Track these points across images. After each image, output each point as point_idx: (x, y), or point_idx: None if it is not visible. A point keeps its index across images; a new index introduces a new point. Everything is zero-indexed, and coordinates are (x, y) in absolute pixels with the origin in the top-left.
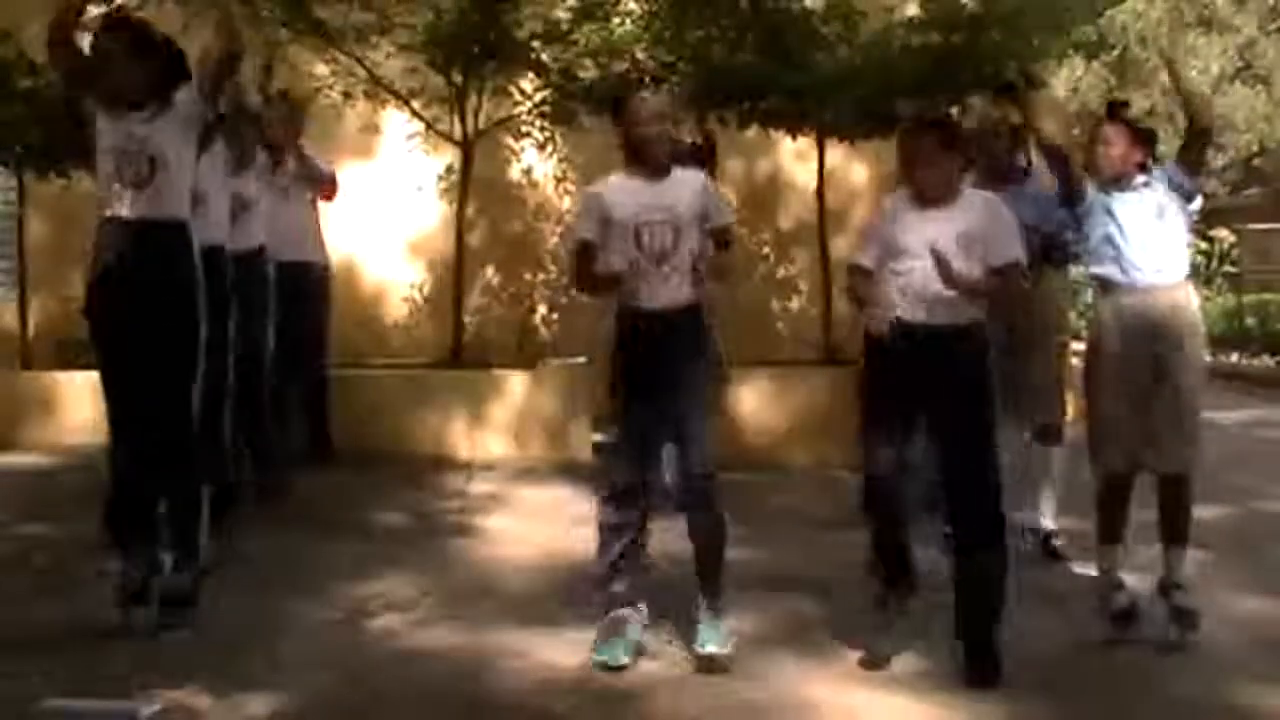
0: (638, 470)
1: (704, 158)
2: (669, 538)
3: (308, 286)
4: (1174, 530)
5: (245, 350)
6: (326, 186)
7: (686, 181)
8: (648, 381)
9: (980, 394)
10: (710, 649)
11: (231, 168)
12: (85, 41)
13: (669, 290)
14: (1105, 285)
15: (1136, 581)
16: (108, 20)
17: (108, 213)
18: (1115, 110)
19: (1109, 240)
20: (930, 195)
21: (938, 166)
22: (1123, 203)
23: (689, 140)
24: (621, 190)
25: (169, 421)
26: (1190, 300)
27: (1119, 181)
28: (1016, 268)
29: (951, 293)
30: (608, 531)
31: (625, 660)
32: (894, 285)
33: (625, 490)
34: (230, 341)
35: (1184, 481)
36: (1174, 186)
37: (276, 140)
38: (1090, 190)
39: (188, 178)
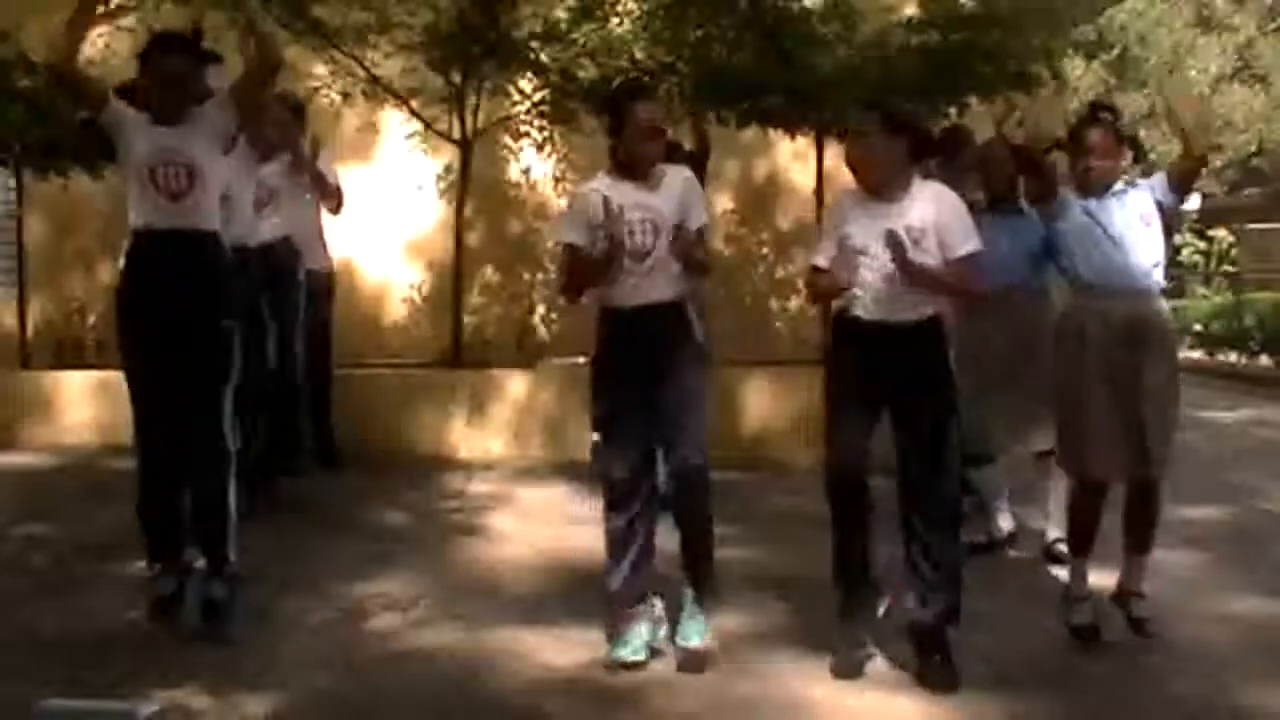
0: (633, 467)
1: (699, 161)
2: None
3: (312, 290)
4: (1138, 539)
5: (277, 340)
6: (331, 198)
7: (671, 178)
8: (634, 378)
9: (941, 391)
10: (693, 643)
11: (255, 159)
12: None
13: (651, 287)
14: (1085, 289)
15: (1108, 582)
16: (161, 39)
17: (142, 223)
18: (1098, 114)
19: (1091, 244)
20: (875, 185)
21: (881, 154)
22: (1105, 209)
23: (683, 145)
24: (608, 191)
25: (201, 428)
26: (1164, 308)
27: (1103, 190)
28: (974, 259)
29: (908, 287)
30: (616, 537)
31: (642, 657)
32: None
33: (624, 490)
34: (268, 336)
35: (1154, 490)
36: (1156, 200)
37: (275, 142)
38: (1069, 196)
39: (220, 187)
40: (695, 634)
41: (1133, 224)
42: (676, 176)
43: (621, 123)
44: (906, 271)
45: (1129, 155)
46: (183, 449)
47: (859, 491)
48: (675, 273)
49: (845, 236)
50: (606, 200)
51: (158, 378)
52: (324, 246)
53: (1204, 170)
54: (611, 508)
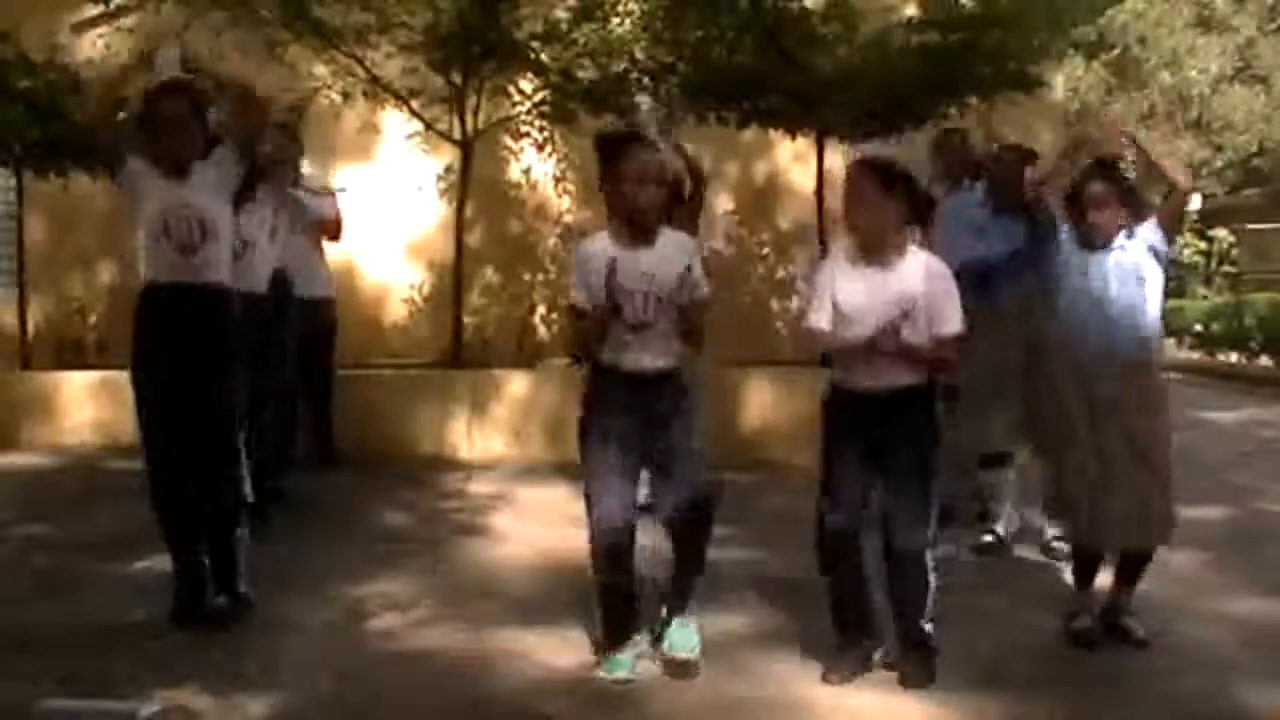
0: (624, 519)
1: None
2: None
3: (313, 316)
4: (1129, 575)
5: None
6: (327, 225)
7: (672, 248)
8: (625, 439)
9: (922, 454)
10: (681, 654)
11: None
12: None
13: (647, 355)
14: (1074, 354)
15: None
16: (165, 85)
17: (153, 276)
18: (1105, 168)
19: (1080, 303)
20: (867, 241)
21: (876, 210)
22: (1100, 269)
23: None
24: (598, 252)
25: (213, 470)
26: (1159, 369)
27: (1104, 244)
28: (956, 343)
29: (893, 355)
30: (603, 565)
31: (630, 675)
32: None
33: (611, 538)
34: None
35: (1151, 554)
36: (1150, 251)
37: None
38: (1066, 242)
39: (230, 238)
40: (685, 645)
41: (1128, 283)
42: (677, 243)
43: (613, 162)
44: (897, 351)
45: (1131, 213)
46: (197, 492)
47: (853, 555)
48: (672, 341)
49: (837, 303)
50: (611, 264)
51: (169, 427)
52: (324, 271)
53: (1186, 208)
54: (593, 549)
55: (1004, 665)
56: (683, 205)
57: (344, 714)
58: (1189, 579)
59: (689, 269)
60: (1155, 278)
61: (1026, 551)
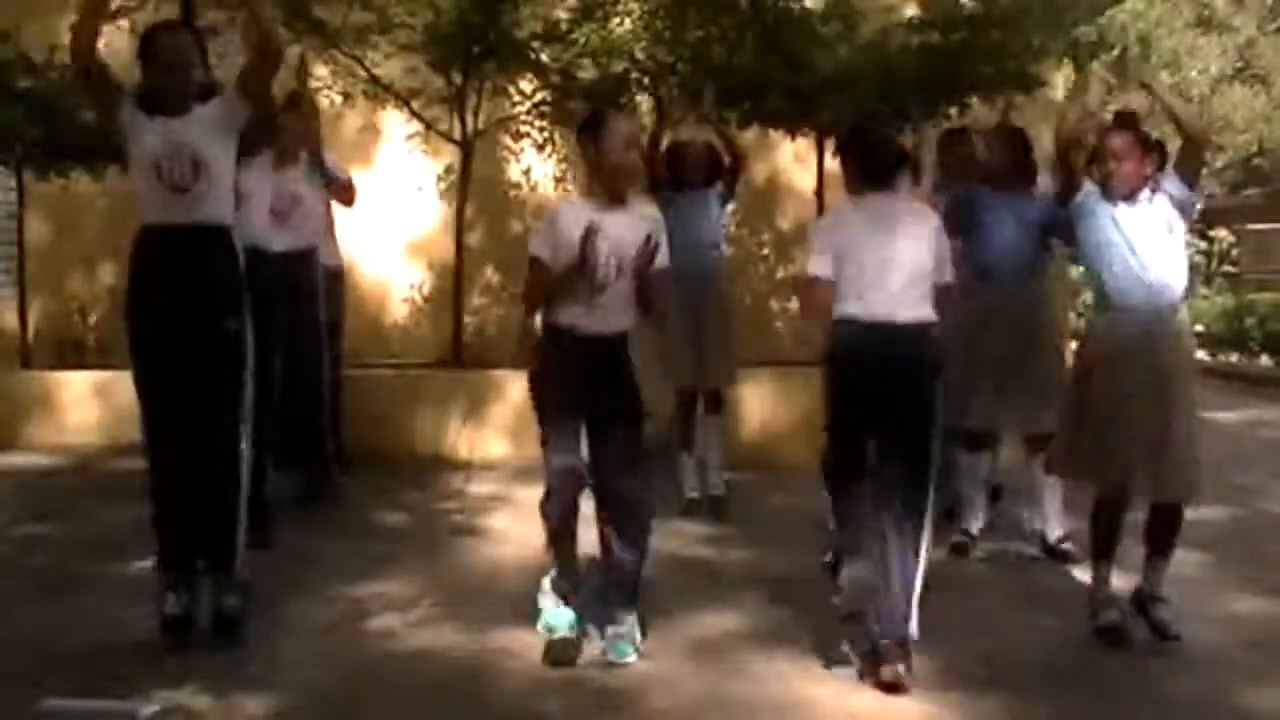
0: (571, 465)
1: (734, 172)
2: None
3: (325, 288)
4: (1161, 544)
5: (300, 348)
6: (344, 192)
7: (639, 216)
8: (574, 398)
9: (927, 401)
10: (628, 658)
11: (274, 165)
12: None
13: (602, 319)
14: (1108, 301)
15: (1125, 584)
16: (160, 24)
17: (149, 219)
18: (1125, 120)
19: (1115, 255)
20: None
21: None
22: (1130, 217)
23: (720, 155)
24: (575, 213)
25: (213, 432)
26: (1185, 321)
27: (1129, 195)
28: (951, 290)
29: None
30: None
31: (565, 636)
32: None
33: (561, 483)
34: (277, 349)
35: (1180, 509)
36: (1175, 203)
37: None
38: (1093, 196)
39: (230, 181)
40: (629, 650)
41: (1158, 233)
42: (645, 213)
43: (600, 133)
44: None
45: (1155, 164)
46: (195, 455)
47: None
48: (627, 308)
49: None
50: (589, 228)
51: (166, 379)
52: (335, 243)
53: (1206, 152)
54: (547, 498)
55: (1003, 666)
56: (720, 176)
57: (344, 714)
58: (1189, 579)
59: (650, 237)
60: (1180, 228)
61: (1024, 549)
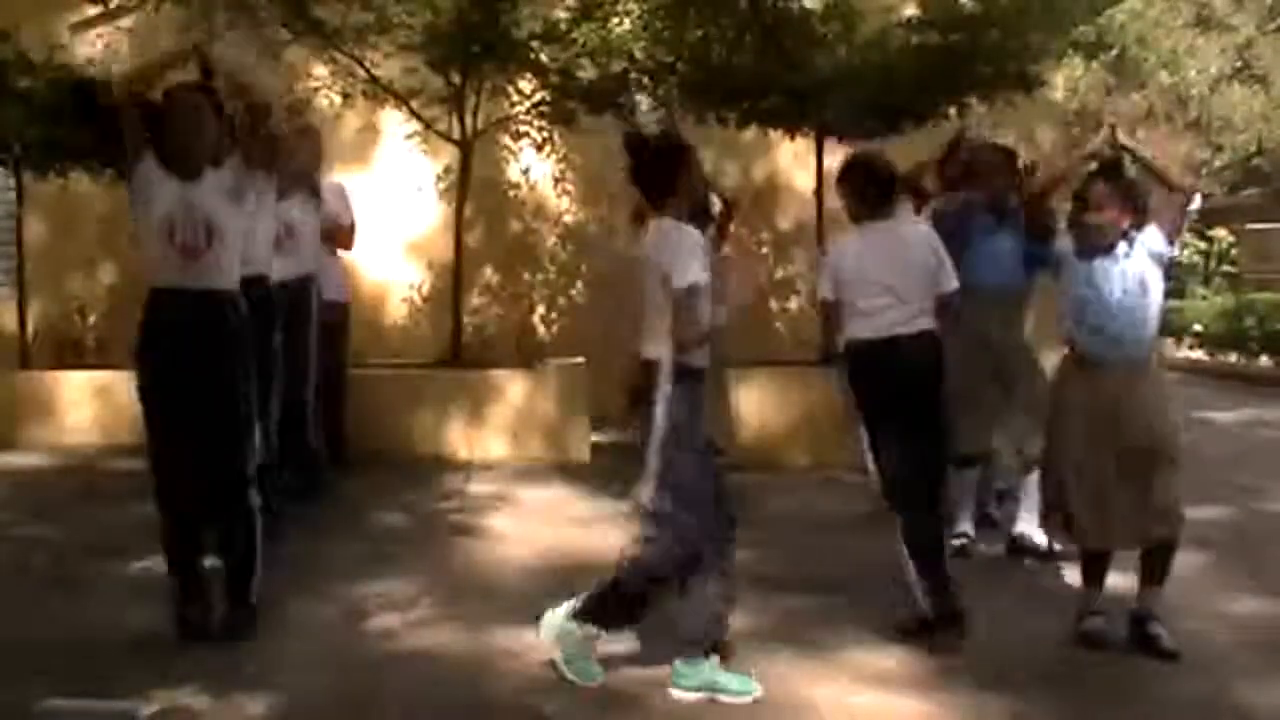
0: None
1: (722, 219)
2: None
3: (328, 321)
4: (1154, 576)
5: (290, 368)
6: (340, 233)
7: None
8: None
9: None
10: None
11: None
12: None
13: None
14: (1079, 356)
15: (1125, 584)
16: (185, 83)
17: (160, 283)
18: (1109, 172)
19: (1085, 311)
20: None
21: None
22: (1105, 275)
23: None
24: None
25: (225, 486)
26: (1160, 370)
27: (1107, 249)
28: (955, 296)
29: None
30: None
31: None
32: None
33: None
34: (276, 369)
35: (1171, 545)
36: (1153, 256)
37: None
38: (1068, 251)
39: (239, 246)
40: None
41: (1130, 290)
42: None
43: (685, 168)
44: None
45: (1135, 218)
46: (204, 501)
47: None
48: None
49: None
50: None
51: (177, 434)
52: (338, 274)
53: (1187, 209)
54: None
55: (1004, 665)
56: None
57: (344, 713)
58: (1189, 579)
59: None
60: (1158, 284)
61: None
